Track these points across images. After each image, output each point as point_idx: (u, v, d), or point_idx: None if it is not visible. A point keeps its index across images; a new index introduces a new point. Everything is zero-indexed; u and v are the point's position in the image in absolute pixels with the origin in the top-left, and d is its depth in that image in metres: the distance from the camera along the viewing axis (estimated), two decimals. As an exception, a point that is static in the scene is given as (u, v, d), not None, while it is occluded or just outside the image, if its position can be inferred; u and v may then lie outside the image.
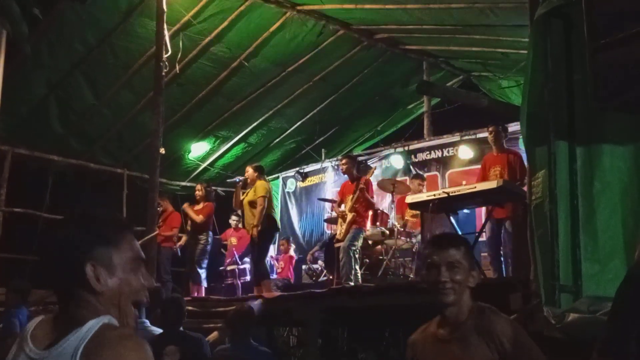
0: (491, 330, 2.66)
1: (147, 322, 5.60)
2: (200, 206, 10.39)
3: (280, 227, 10.59)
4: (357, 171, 9.36)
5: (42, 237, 1.80)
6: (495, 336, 2.64)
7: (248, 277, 11.06)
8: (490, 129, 8.19)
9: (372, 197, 9.30)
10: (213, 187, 11.78)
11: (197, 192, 10.52)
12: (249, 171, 9.48)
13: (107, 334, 1.64)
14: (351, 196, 9.05)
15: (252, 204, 9.22)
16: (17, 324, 6.61)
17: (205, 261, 10.29)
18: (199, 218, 10.22)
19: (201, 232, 10.23)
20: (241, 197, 9.49)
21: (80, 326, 1.65)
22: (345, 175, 9.62)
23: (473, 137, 11.17)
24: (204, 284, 10.26)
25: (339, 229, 9.19)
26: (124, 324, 1.75)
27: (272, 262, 11.86)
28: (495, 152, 8.14)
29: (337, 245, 9.13)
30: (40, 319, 1.76)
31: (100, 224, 1.79)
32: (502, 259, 7.72)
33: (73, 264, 1.70)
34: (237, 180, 9.79)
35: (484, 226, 7.84)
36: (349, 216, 8.97)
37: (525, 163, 7.62)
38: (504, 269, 7.69)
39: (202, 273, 10.17)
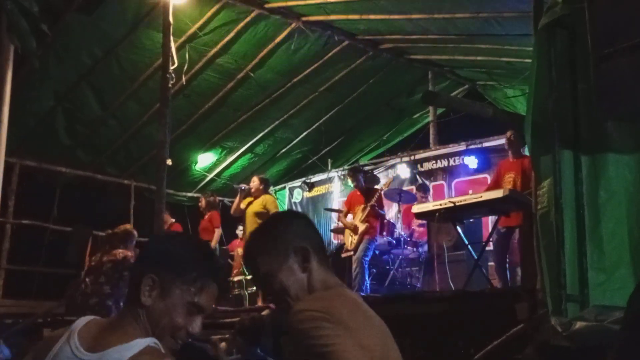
0: None
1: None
2: (206, 217, 10.45)
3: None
4: (364, 182, 9.37)
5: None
6: None
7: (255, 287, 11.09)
8: (507, 134, 8.09)
9: (383, 208, 9.33)
10: (220, 198, 11.82)
11: (199, 205, 10.66)
12: (255, 182, 9.53)
13: (149, 358, 1.72)
14: (362, 206, 9.05)
15: (260, 215, 9.23)
16: None
17: None
18: (217, 234, 10.36)
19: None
20: (242, 205, 9.53)
21: (127, 342, 1.73)
22: (352, 185, 9.65)
23: (479, 146, 11.17)
24: None
25: (349, 240, 9.18)
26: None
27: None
28: (511, 157, 8.04)
29: (344, 255, 9.13)
30: (89, 319, 1.84)
31: (191, 247, 1.88)
32: (507, 266, 7.70)
33: (140, 271, 1.80)
34: (242, 187, 9.83)
35: (490, 235, 7.82)
36: (362, 227, 8.94)
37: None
38: (509, 277, 7.67)
39: None
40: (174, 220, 11.26)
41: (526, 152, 8.19)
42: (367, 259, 8.82)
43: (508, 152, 8.15)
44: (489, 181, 8.98)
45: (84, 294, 7.02)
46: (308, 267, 1.98)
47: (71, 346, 1.75)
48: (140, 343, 1.73)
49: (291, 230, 2.04)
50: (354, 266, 8.79)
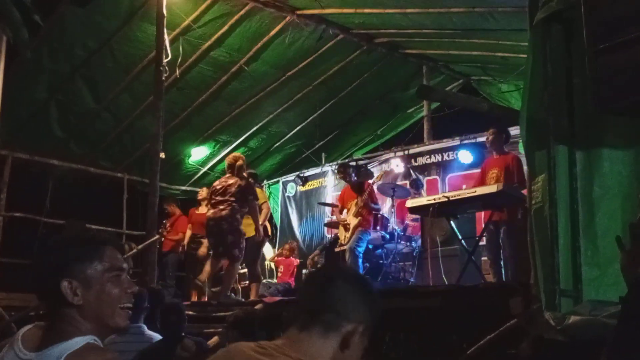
0: None
1: (145, 327, 5.57)
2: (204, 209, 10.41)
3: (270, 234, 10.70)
4: (356, 176, 9.36)
5: (32, 263, 2.06)
6: None
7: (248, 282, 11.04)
8: (490, 131, 8.18)
9: (376, 202, 9.32)
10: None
11: (203, 194, 10.57)
12: None
13: (88, 354, 1.81)
14: (354, 201, 9.05)
15: None
16: None
17: None
18: None
19: None
20: None
21: (66, 340, 1.83)
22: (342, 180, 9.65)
23: (473, 140, 11.17)
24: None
25: (342, 234, 9.18)
26: (112, 326, 1.93)
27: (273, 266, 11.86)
28: (494, 155, 8.13)
29: (338, 249, 9.13)
30: (31, 327, 1.95)
31: (73, 244, 1.97)
32: (501, 262, 7.71)
33: (51, 283, 1.88)
34: None
35: (484, 230, 7.83)
36: (355, 221, 8.94)
37: (524, 166, 7.66)
38: (503, 273, 7.68)
39: None
40: (179, 212, 11.24)
41: (520, 148, 8.24)
42: (361, 249, 8.81)
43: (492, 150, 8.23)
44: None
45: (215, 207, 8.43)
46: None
47: (15, 349, 1.86)
48: (79, 341, 1.82)
49: None
50: (347, 256, 8.81)
